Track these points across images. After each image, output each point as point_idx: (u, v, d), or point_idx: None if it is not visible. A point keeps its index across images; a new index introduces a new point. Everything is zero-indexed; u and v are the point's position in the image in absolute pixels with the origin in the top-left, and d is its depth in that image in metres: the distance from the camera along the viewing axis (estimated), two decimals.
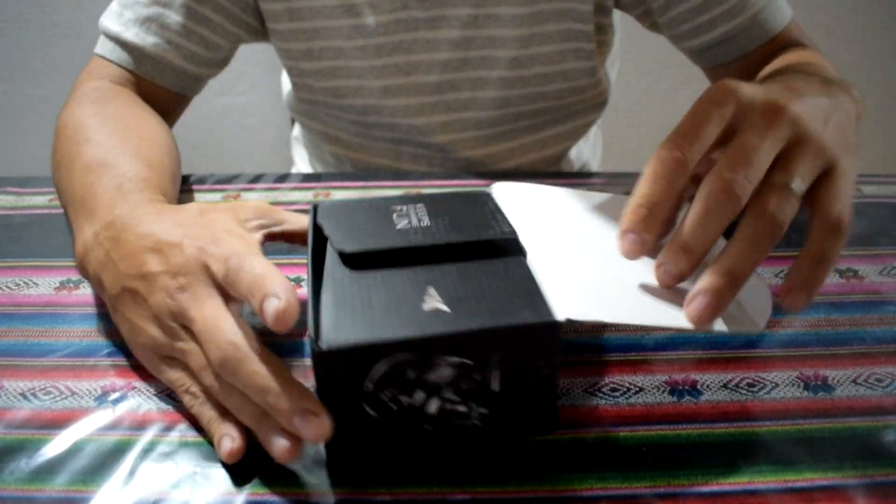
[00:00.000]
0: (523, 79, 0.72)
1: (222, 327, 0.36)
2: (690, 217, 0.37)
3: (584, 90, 0.76)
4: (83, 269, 0.45)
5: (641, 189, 0.38)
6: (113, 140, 0.54)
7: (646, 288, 0.39)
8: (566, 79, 0.74)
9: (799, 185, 0.38)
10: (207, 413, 0.38)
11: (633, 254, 0.38)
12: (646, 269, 0.39)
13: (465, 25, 0.68)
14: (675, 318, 0.37)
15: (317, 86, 0.74)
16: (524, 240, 0.41)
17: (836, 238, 0.38)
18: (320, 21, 0.69)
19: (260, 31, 0.73)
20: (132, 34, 0.65)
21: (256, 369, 0.35)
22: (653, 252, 0.39)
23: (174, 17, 0.65)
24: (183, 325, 0.38)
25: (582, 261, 0.41)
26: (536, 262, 0.39)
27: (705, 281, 0.37)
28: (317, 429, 0.34)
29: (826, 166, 0.40)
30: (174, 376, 0.39)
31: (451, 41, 0.69)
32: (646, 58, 1.55)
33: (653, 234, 0.38)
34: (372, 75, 0.71)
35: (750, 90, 0.40)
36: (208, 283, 0.38)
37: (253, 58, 0.82)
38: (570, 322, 0.34)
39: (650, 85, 1.67)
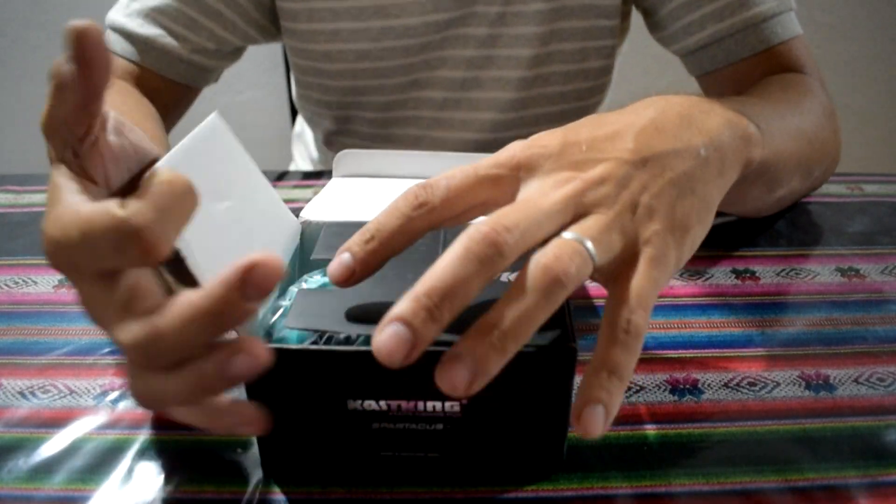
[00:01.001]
0: (542, 77, 0.71)
1: None
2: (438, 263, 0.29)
3: (603, 89, 0.76)
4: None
5: (376, 217, 0.34)
6: None
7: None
8: (587, 78, 0.73)
9: (592, 248, 0.31)
10: None
11: (336, 274, 0.33)
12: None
13: (493, 23, 0.68)
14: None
15: (334, 85, 0.74)
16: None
17: (620, 349, 0.30)
18: (343, 23, 0.68)
19: (271, 32, 0.72)
20: (136, 24, 0.64)
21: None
22: None
23: (181, 9, 0.64)
24: None
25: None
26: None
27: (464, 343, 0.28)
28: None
29: (631, 246, 0.32)
30: None
31: (478, 38, 0.69)
32: (645, 56, 1.55)
33: (365, 265, 0.33)
34: (398, 73, 0.71)
35: (551, 136, 0.36)
36: None
37: (253, 56, 0.82)
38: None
39: (651, 83, 1.67)
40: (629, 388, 0.41)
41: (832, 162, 0.60)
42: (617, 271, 0.32)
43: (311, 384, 0.33)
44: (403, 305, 0.28)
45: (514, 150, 0.35)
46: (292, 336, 0.35)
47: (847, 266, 0.53)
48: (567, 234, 0.31)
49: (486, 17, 0.68)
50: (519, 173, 0.35)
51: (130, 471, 0.36)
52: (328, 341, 0.35)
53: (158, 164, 0.32)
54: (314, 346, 0.34)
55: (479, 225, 0.29)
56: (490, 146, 0.76)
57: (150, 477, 0.36)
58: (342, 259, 0.33)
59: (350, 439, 0.35)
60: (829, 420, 0.39)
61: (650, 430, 0.39)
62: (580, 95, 0.74)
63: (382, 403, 0.33)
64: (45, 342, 0.45)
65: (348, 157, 0.50)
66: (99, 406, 0.40)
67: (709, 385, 0.42)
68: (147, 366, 0.28)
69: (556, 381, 0.33)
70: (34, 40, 1.58)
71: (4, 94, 1.64)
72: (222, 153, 0.38)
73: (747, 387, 0.42)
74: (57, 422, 0.39)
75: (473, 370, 0.27)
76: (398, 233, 0.33)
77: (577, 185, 0.33)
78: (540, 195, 0.33)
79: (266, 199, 0.40)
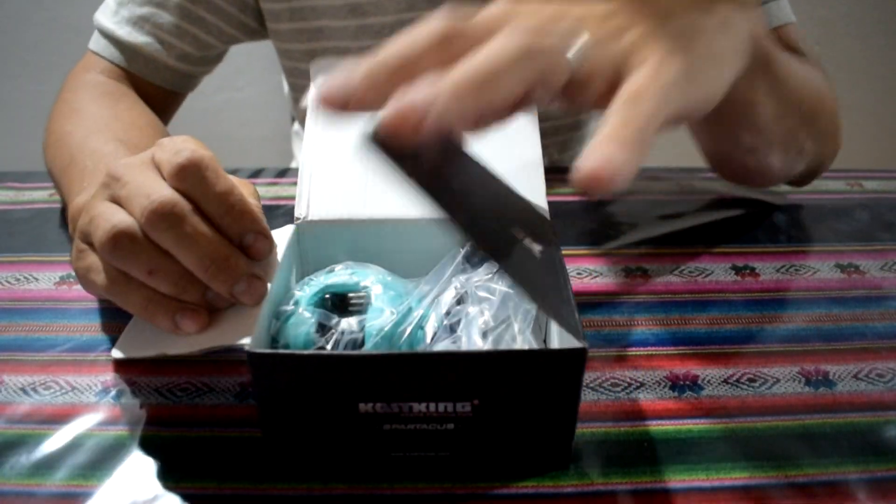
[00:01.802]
0: None
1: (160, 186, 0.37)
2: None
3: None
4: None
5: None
6: (101, 125, 0.57)
7: None
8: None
9: (576, 53, 0.32)
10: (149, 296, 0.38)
11: (328, 95, 0.30)
12: None
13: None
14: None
15: None
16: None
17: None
18: (324, 21, 0.68)
19: (258, 31, 0.72)
20: (125, 32, 0.65)
21: (198, 223, 0.36)
22: None
23: (167, 17, 0.65)
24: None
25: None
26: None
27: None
28: (260, 292, 0.35)
29: (622, 55, 0.33)
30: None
31: None
32: None
33: (364, 88, 0.30)
34: None
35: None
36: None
37: (252, 53, 0.82)
38: None
39: None
40: (628, 384, 0.41)
41: (835, 132, 0.59)
42: (609, 82, 0.33)
43: (322, 388, 0.33)
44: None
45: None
46: (298, 342, 0.35)
47: (847, 262, 0.53)
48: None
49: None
50: None
51: (132, 467, 0.36)
52: (335, 346, 0.35)
53: None
54: (324, 352, 0.34)
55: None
56: None
57: (152, 473, 0.36)
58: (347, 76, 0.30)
59: (360, 441, 0.35)
60: (829, 416, 0.39)
61: (650, 426, 0.39)
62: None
63: (394, 405, 0.33)
64: (47, 339, 0.45)
65: (325, 66, 0.47)
66: (100, 402, 0.40)
67: (708, 381, 0.42)
68: None
69: (567, 381, 0.33)
70: (34, 38, 1.58)
71: (4, 92, 1.64)
72: None
73: (747, 383, 0.42)
74: (58, 418, 0.39)
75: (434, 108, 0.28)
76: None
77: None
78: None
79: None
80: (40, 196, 0.63)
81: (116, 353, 0.39)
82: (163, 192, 0.36)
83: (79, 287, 0.50)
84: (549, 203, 0.43)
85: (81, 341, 0.45)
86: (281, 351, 0.35)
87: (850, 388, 0.41)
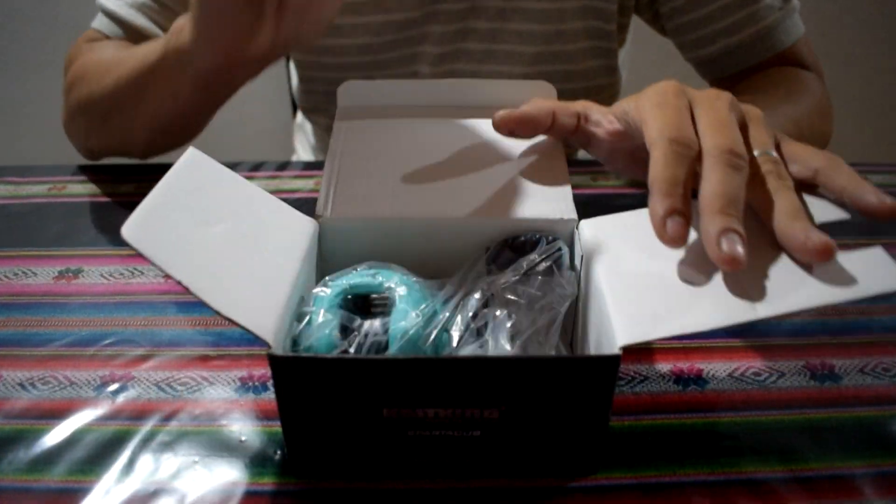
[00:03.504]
0: (544, 75, 0.71)
1: None
2: (715, 183, 0.34)
3: (603, 90, 0.75)
4: None
5: (664, 172, 0.35)
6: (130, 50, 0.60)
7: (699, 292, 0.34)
8: (586, 77, 0.73)
9: (772, 152, 0.37)
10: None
11: (679, 236, 0.33)
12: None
13: (493, 18, 0.68)
14: (743, 311, 0.33)
15: (340, 77, 0.73)
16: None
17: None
18: (344, 19, 0.68)
19: None
20: (128, 13, 0.65)
21: None
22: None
23: (168, 3, 0.64)
24: None
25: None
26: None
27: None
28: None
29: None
30: None
31: (479, 32, 0.69)
32: (658, 51, 1.54)
33: (689, 211, 0.34)
34: (398, 65, 0.71)
35: (687, 86, 0.40)
36: None
37: None
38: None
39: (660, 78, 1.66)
40: (632, 378, 0.41)
41: (827, 131, 0.64)
42: None
43: (345, 393, 0.32)
44: (718, 220, 0.33)
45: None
46: (321, 344, 0.34)
47: None
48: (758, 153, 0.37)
49: (487, 11, 0.67)
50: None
51: (131, 462, 0.36)
52: (358, 349, 0.34)
53: (138, 209, 0.32)
54: (348, 356, 0.33)
55: (720, 146, 0.35)
56: None
57: (151, 468, 0.36)
58: (677, 221, 0.34)
59: (384, 447, 0.34)
60: (835, 410, 0.39)
61: (654, 419, 0.38)
62: (576, 94, 0.74)
63: (419, 411, 0.33)
64: (45, 333, 0.45)
65: (352, 88, 0.49)
66: (99, 397, 0.40)
67: (713, 375, 0.41)
68: None
69: (599, 387, 0.32)
70: (34, 34, 1.58)
71: (4, 87, 1.64)
72: (205, 181, 0.37)
73: (752, 377, 0.41)
74: (57, 413, 0.39)
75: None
76: (690, 175, 0.35)
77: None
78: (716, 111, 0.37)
79: (269, 208, 0.39)
80: (39, 191, 0.62)
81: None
82: None
83: (77, 281, 0.50)
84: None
85: (80, 336, 0.45)
86: (304, 354, 0.34)
87: (856, 381, 0.41)
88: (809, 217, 0.35)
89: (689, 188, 0.35)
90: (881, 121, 1.72)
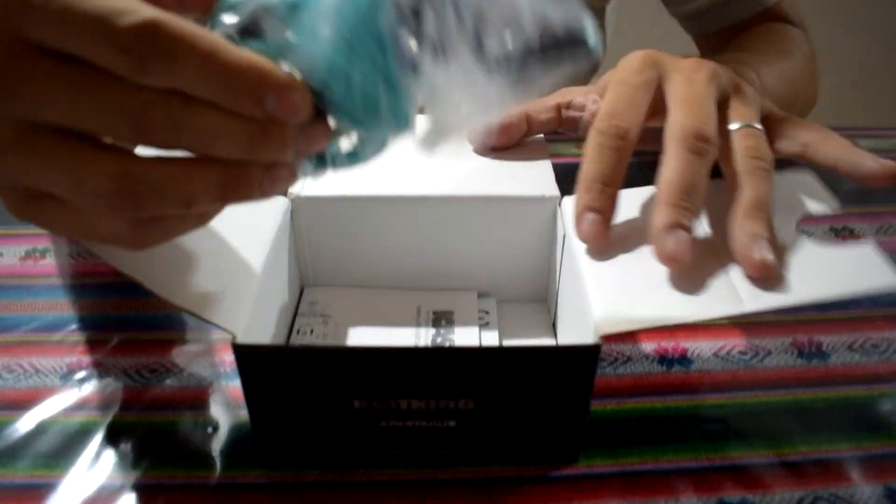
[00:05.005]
0: None
1: None
2: (671, 168, 0.34)
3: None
4: None
5: (587, 166, 0.35)
6: None
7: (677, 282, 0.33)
8: None
9: (756, 124, 0.37)
10: None
11: (593, 234, 0.34)
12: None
13: None
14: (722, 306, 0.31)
15: None
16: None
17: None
18: None
19: None
20: None
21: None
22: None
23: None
24: None
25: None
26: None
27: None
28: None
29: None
30: None
31: None
32: (645, 24, 1.51)
33: (611, 210, 0.35)
34: None
35: (666, 55, 0.39)
36: None
37: None
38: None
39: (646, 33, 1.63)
40: (616, 359, 0.40)
41: (810, 100, 0.64)
42: None
43: (314, 384, 0.31)
44: (666, 213, 0.32)
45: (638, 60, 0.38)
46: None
47: (841, 226, 0.51)
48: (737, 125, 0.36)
49: None
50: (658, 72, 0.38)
51: (98, 454, 0.35)
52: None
53: None
54: (315, 345, 0.32)
55: (684, 127, 0.34)
56: None
57: (119, 460, 0.35)
58: (590, 219, 0.34)
59: (356, 439, 0.33)
60: (822, 389, 0.38)
61: (637, 402, 0.37)
62: None
63: (391, 402, 0.31)
64: (11, 318, 0.43)
65: None
66: (65, 386, 0.39)
67: (698, 354, 0.40)
68: None
69: (578, 377, 0.31)
70: None
71: None
72: None
73: (738, 355, 0.40)
74: (21, 404, 0.38)
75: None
76: (619, 167, 0.35)
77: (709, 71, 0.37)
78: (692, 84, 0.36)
79: None
80: None
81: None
82: None
83: (44, 262, 0.48)
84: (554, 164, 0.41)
85: (47, 320, 0.43)
86: (269, 344, 0.33)
87: (844, 359, 0.40)
88: (768, 216, 0.33)
89: (617, 179, 0.35)
90: (872, 83, 1.70)
